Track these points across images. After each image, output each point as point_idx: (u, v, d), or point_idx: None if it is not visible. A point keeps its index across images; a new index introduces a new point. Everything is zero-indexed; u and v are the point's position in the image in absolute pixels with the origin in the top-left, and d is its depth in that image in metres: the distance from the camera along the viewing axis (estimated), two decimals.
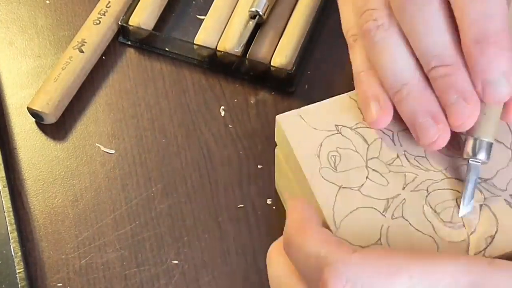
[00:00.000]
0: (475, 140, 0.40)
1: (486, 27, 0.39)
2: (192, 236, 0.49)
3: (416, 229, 0.39)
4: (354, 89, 0.45)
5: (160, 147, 0.53)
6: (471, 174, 0.40)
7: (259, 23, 0.56)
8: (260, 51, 0.55)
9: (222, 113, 0.54)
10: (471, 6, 0.39)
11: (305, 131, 0.43)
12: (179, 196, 0.51)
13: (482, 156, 0.40)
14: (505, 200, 0.40)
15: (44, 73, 0.57)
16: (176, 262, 0.48)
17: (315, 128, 0.43)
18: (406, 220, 0.40)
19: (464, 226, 0.40)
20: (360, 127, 0.43)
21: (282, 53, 0.54)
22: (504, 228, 0.39)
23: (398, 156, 0.42)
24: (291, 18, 0.56)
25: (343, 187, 0.41)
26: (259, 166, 0.52)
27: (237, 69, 0.56)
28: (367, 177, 0.41)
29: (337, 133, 0.43)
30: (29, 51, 0.58)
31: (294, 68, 0.54)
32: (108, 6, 0.58)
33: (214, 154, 0.53)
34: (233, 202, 0.51)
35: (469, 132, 0.41)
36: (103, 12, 0.57)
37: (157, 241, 0.49)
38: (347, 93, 0.45)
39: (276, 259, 0.39)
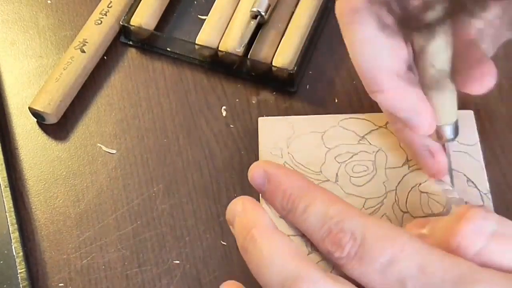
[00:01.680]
0: (440, 127, 0.44)
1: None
2: (194, 236, 0.49)
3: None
4: (354, 88, 0.46)
5: (161, 147, 0.53)
6: (447, 154, 0.46)
7: (260, 23, 0.56)
8: (261, 51, 0.55)
9: (224, 113, 0.54)
10: None
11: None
12: (180, 196, 0.51)
13: (450, 135, 0.45)
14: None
15: (46, 73, 0.57)
16: (177, 262, 0.48)
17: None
18: None
19: None
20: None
21: (283, 53, 0.54)
22: None
23: None
24: (292, 18, 0.56)
25: None
26: None
27: (239, 69, 0.56)
28: None
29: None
30: (30, 51, 0.58)
31: (295, 68, 0.54)
32: (109, 6, 0.58)
33: (216, 154, 0.53)
34: None
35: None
36: (104, 12, 0.57)
37: (158, 241, 0.49)
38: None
39: None
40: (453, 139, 0.45)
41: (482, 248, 0.35)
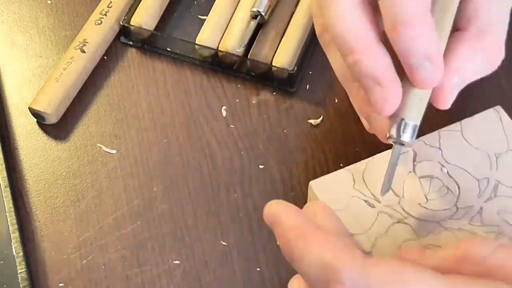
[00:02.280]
0: (400, 121, 0.39)
1: (400, 12, 0.38)
2: (194, 236, 0.49)
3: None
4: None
5: (161, 147, 0.53)
6: (392, 156, 0.40)
7: (260, 23, 0.56)
8: (261, 51, 0.55)
9: (224, 113, 0.54)
10: None
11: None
12: (180, 196, 0.51)
13: (406, 137, 0.39)
14: None
15: (46, 73, 0.57)
16: (177, 262, 0.48)
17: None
18: None
19: None
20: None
21: (283, 53, 0.54)
22: None
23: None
24: (292, 18, 0.56)
25: None
26: (260, 166, 0.52)
27: (239, 69, 0.56)
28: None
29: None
30: (30, 51, 0.58)
31: (295, 68, 0.54)
32: (109, 6, 0.58)
33: (216, 154, 0.53)
34: (234, 202, 0.51)
35: (395, 114, 0.40)
36: (104, 12, 0.57)
37: (158, 241, 0.49)
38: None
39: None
40: (406, 144, 0.40)
41: (489, 255, 0.34)
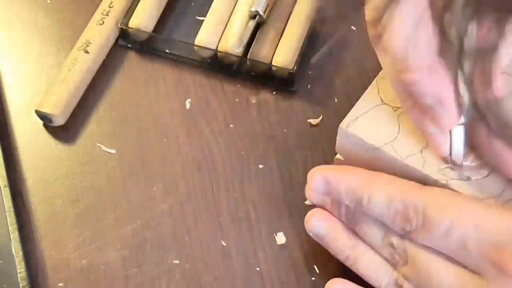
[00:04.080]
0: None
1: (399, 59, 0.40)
2: (193, 236, 0.49)
3: None
4: (354, 87, 0.45)
5: (161, 147, 0.53)
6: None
7: (259, 23, 0.56)
8: (261, 51, 0.55)
9: (187, 106, 0.54)
10: None
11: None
12: (180, 196, 0.51)
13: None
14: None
15: (46, 72, 0.57)
16: (177, 262, 0.48)
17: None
18: None
19: None
20: None
21: (283, 53, 0.54)
22: None
23: None
24: (291, 17, 0.56)
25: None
26: (260, 166, 0.52)
27: (238, 69, 0.56)
28: None
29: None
30: (30, 51, 0.58)
31: (295, 67, 0.54)
32: (110, 6, 0.58)
33: (215, 154, 0.53)
34: (234, 202, 0.51)
35: None
36: (105, 13, 0.57)
37: (158, 241, 0.49)
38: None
39: None
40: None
41: None
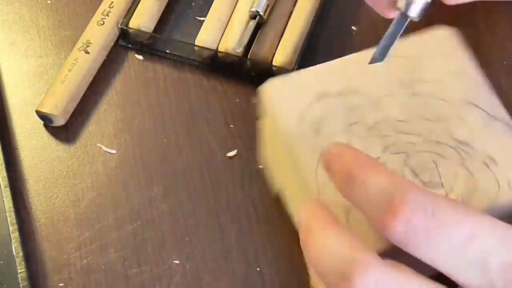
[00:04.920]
0: None
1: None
2: (194, 236, 0.49)
3: None
4: None
5: (161, 147, 0.53)
6: (395, 25, 0.40)
7: (259, 23, 0.56)
8: (261, 51, 0.55)
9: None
10: None
11: (287, 99, 0.43)
12: (180, 196, 0.51)
13: (413, 13, 0.40)
14: (482, 161, 0.41)
15: (46, 73, 0.57)
16: (177, 262, 0.48)
17: (297, 96, 0.43)
18: None
19: (442, 185, 0.40)
20: (345, 93, 0.43)
21: (283, 52, 0.54)
22: (480, 187, 0.40)
23: (378, 121, 0.42)
24: (291, 17, 0.56)
25: None
26: (260, 166, 0.52)
27: (239, 69, 0.56)
28: (348, 142, 0.42)
29: (320, 100, 0.43)
30: (30, 51, 0.58)
31: (295, 67, 0.54)
32: (111, 6, 0.58)
33: (216, 154, 0.53)
34: (234, 202, 0.51)
35: None
36: (106, 13, 0.57)
37: (158, 241, 0.49)
38: (334, 60, 0.45)
39: None
40: (412, 18, 0.40)
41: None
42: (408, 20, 0.40)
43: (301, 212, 0.37)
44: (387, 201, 0.32)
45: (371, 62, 0.41)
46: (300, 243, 0.36)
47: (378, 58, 0.40)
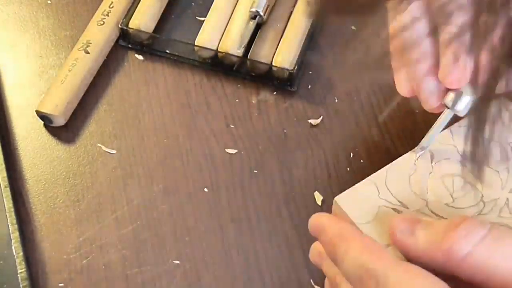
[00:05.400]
0: (459, 92, 0.41)
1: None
2: (194, 236, 0.49)
3: None
4: (354, 87, 0.45)
5: (161, 147, 0.53)
6: (441, 119, 0.43)
7: (259, 24, 0.56)
8: (261, 51, 0.55)
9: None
10: None
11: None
12: (180, 196, 0.51)
13: (460, 107, 0.42)
14: None
15: (46, 73, 0.57)
16: (177, 262, 0.48)
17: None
18: None
19: None
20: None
21: (283, 53, 0.54)
22: None
23: None
24: (291, 18, 0.56)
25: None
26: (260, 166, 0.52)
27: (239, 70, 0.56)
28: None
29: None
30: (30, 51, 0.58)
31: (295, 67, 0.54)
32: (111, 6, 0.58)
33: (216, 154, 0.53)
34: (234, 202, 0.51)
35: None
36: (106, 13, 0.57)
37: (158, 241, 0.49)
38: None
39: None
40: (456, 112, 0.42)
41: (469, 253, 0.36)
42: (453, 114, 0.43)
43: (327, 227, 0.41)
44: (358, 277, 0.38)
45: (418, 151, 0.44)
46: (327, 252, 0.40)
47: (425, 147, 0.44)
